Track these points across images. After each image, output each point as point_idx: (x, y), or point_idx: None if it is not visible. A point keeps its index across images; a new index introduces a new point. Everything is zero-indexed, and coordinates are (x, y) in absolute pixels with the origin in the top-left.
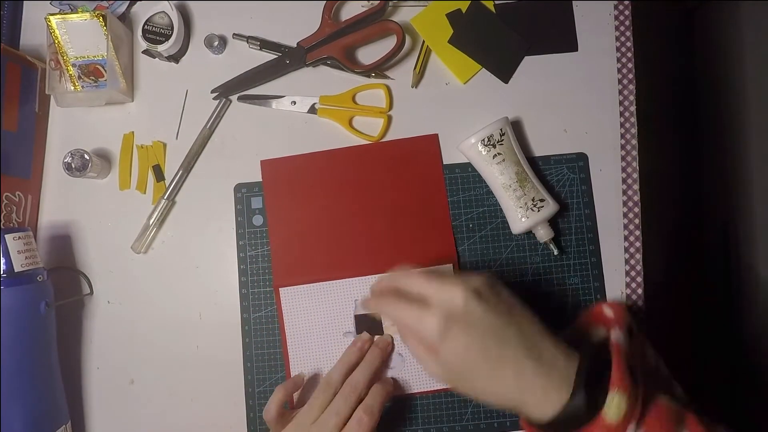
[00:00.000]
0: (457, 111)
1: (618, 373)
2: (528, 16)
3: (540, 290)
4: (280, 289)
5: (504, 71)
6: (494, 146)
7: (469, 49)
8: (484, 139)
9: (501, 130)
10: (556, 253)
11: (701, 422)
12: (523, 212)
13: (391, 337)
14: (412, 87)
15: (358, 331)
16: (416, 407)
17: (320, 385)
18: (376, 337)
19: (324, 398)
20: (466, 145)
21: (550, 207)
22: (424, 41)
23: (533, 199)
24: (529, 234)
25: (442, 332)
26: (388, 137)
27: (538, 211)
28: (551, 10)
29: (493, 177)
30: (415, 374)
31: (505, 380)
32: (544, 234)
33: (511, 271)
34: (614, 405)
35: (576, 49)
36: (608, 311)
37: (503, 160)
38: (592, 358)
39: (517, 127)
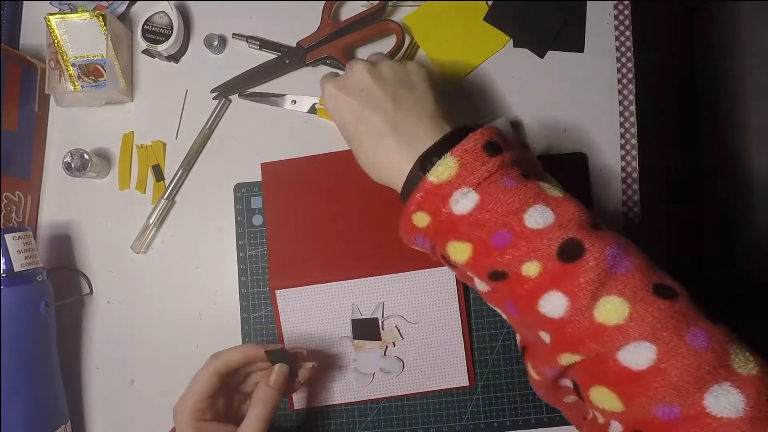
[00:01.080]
0: (458, 111)
1: (468, 141)
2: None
3: None
4: (276, 291)
5: (539, 46)
6: None
7: (505, 25)
8: None
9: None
10: None
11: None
12: None
13: (386, 345)
14: None
15: (355, 335)
16: (416, 407)
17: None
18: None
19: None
20: None
21: None
22: (413, 38)
23: None
24: None
25: (331, 97)
26: None
27: None
28: (566, 9)
29: None
30: (415, 375)
31: (368, 144)
32: None
33: None
34: (440, 166)
35: (582, 50)
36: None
37: None
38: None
39: (517, 127)
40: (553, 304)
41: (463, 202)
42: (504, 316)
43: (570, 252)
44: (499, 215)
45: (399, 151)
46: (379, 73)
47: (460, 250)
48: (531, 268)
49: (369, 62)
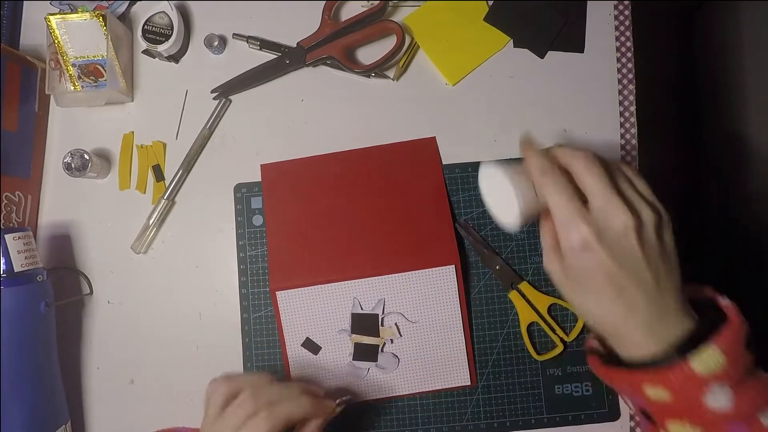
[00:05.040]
0: (458, 111)
1: (732, 334)
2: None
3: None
4: (277, 292)
5: (539, 46)
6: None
7: (505, 25)
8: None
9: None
10: None
11: None
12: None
13: (384, 342)
14: (394, 80)
15: (354, 329)
16: (416, 407)
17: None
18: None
19: None
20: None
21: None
22: (413, 38)
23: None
24: (529, 233)
25: (583, 246)
26: (388, 140)
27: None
28: (566, 9)
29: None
30: (415, 374)
31: (616, 311)
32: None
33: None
34: (706, 357)
35: (582, 51)
36: (725, 301)
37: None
38: (709, 324)
39: (517, 127)
40: None
41: (719, 396)
42: None
43: None
44: (743, 413)
45: (649, 327)
46: (647, 238)
47: (684, 431)
48: None
49: (634, 217)
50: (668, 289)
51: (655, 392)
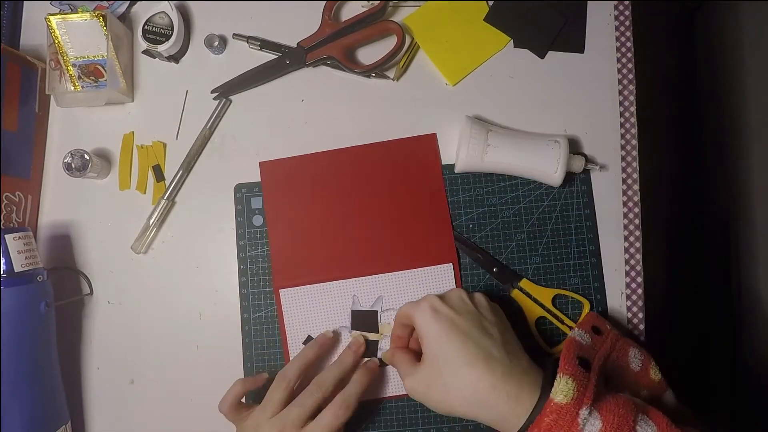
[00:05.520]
0: (458, 111)
1: (564, 359)
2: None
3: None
4: (280, 290)
5: (539, 46)
6: (485, 143)
7: (506, 25)
8: (470, 145)
9: (473, 129)
10: (598, 168)
11: (666, 418)
12: (550, 164)
13: (383, 337)
14: (394, 80)
15: (354, 326)
16: (416, 407)
17: (275, 381)
18: (352, 338)
19: (280, 395)
20: (463, 162)
21: (563, 140)
22: (413, 38)
23: (547, 149)
24: (529, 233)
25: (433, 311)
26: (387, 137)
27: (560, 153)
28: (566, 9)
29: (505, 163)
30: None
31: (478, 375)
32: (579, 164)
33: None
34: (561, 387)
35: (582, 51)
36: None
37: (498, 145)
38: (554, 364)
39: (517, 127)
40: None
41: (591, 420)
42: None
43: None
44: (617, 429)
45: (516, 394)
46: (479, 302)
47: None
48: None
49: (465, 291)
50: (514, 343)
51: None
